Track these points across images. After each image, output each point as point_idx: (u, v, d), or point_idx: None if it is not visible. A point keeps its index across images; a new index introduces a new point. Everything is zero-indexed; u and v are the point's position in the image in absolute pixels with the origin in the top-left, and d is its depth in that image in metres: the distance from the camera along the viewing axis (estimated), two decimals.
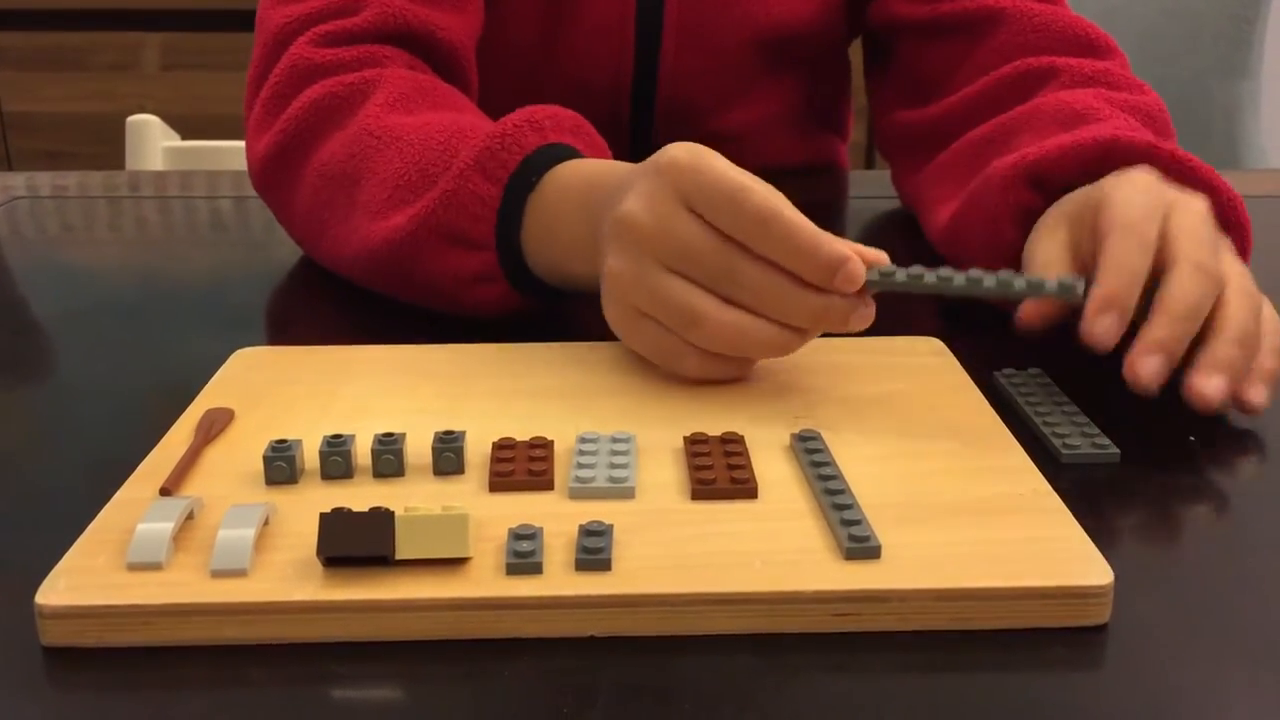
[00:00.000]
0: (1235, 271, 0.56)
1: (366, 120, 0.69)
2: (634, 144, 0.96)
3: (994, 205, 0.66)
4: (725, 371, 0.56)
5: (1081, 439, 0.52)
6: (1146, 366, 0.52)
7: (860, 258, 0.52)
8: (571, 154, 0.64)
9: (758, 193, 0.52)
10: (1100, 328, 0.53)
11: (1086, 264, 0.58)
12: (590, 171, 0.62)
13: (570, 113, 0.67)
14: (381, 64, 0.74)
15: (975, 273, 0.53)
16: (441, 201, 0.63)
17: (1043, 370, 0.59)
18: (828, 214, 0.93)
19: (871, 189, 0.99)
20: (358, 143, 0.69)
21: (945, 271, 0.53)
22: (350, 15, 0.75)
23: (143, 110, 1.38)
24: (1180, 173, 0.61)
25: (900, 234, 0.88)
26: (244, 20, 2.43)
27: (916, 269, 0.53)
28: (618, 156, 0.97)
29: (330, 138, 0.71)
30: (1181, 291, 0.53)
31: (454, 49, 0.78)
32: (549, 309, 0.67)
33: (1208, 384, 0.53)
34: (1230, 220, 0.62)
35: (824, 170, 1.05)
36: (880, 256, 0.53)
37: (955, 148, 0.79)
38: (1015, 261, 0.63)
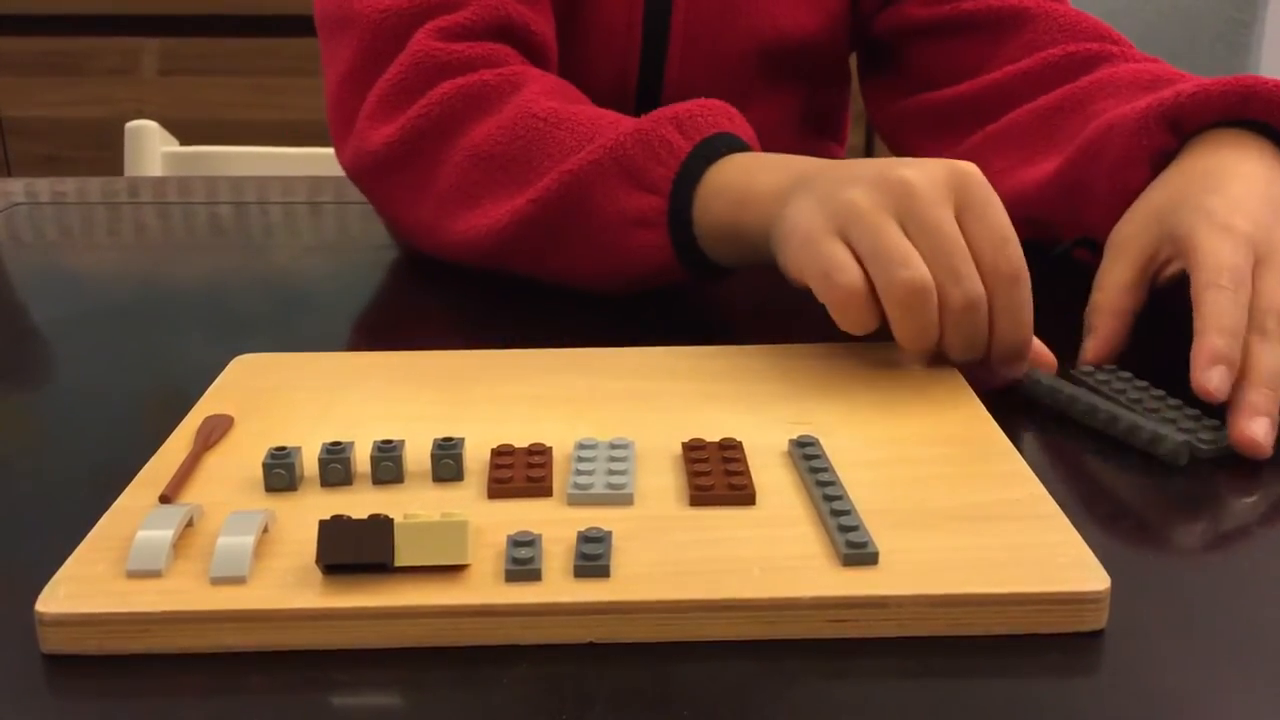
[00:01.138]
0: None
1: (527, 104, 0.71)
2: None
3: (1124, 150, 0.67)
4: (854, 313, 0.55)
5: (1215, 433, 0.53)
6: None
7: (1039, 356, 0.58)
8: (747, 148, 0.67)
9: (1019, 247, 0.55)
10: (1212, 384, 0.53)
11: (1160, 272, 0.61)
12: (782, 155, 0.65)
13: (750, 127, 0.70)
14: (507, 62, 0.75)
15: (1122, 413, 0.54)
16: (631, 137, 0.66)
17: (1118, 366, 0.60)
18: None
19: None
20: (521, 124, 0.70)
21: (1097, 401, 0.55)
22: (457, 10, 0.77)
23: (141, 115, 1.38)
24: None
25: None
26: (243, 25, 2.45)
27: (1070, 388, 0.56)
28: None
29: (482, 122, 0.72)
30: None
31: (545, 45, 0.80)
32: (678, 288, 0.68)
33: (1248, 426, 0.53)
34: None
35: None
36: (1051, 363, 0.59)
37: (1011, 117, 0.80)
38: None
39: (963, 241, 0.55)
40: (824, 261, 0.55)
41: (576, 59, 0.91)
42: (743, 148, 0.67)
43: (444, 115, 0.73)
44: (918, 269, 0.53)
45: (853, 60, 1.03)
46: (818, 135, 1.04)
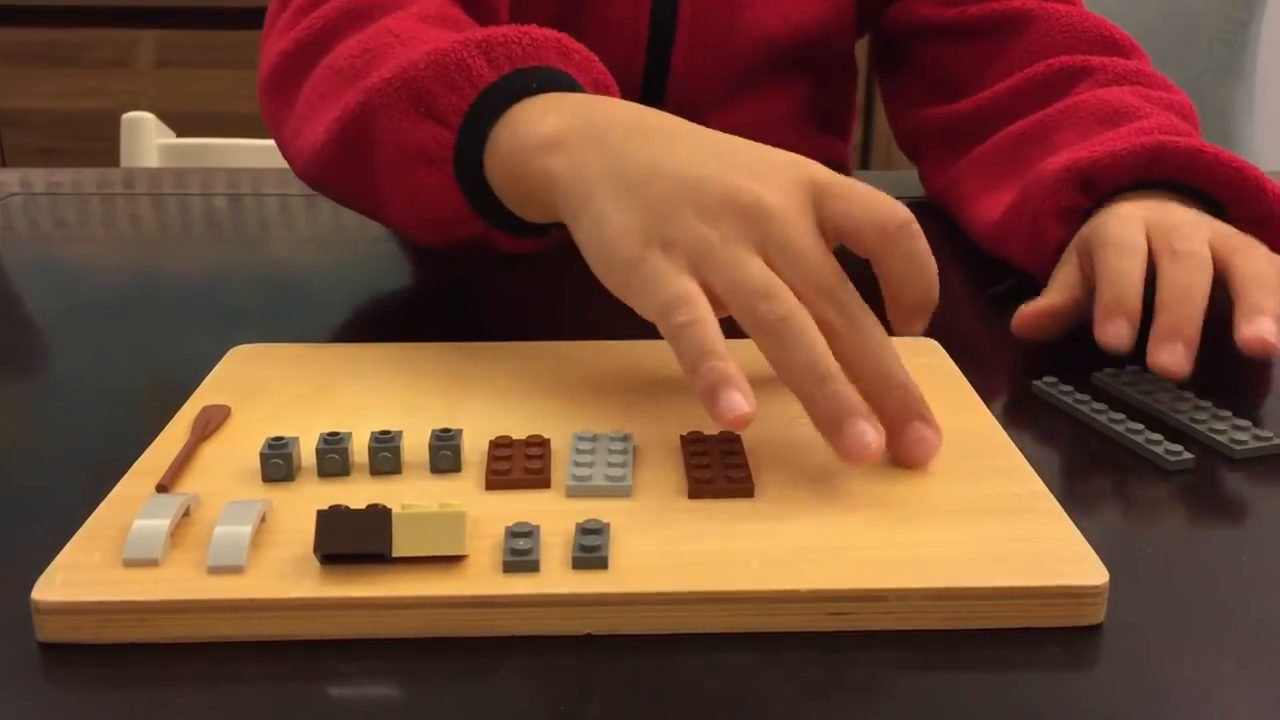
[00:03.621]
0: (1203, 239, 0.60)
1: (390, 22, 0.65)
2: None
3: (1041, 205, 0.69)
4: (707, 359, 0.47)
5: (1243, 433, 0.53)
6: (1160, 356, 0.55)
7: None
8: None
9: (893, 203, 0.50)
10: (1110, 334, 0.57)
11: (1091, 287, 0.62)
12: (601, 97, 0.58)
13: (603, 67, 0.62)
14: None
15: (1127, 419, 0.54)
16: (426, 58, 0.58)
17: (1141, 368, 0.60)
18: None
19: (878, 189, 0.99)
20: (375, 39, 0.64)
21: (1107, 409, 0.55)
22: None
23: (138, 107, 1.38)
24: (1225, 173, 0.65)
25: None
26: (240, 17, 2.45)
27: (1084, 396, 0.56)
28: None
29: (350, 37, 0.67)
30: (1167, 279, 0.57)
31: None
32: (487, 251, 0.62)
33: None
34: (1267, 214, 0.65)
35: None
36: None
37: (992, 142, 0.81)
38: (1055, 259, 0.67)
39: (832, 260, 0.49)
40: (665, 296, 0.48)
41: None
42: (571, 87, 0.58)
43: (324, 29, 0.68)
44: (784, 300, 0.47)
45: (860, 57, 1.03)
46: (823, 129, 1.05)
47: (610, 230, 0.50)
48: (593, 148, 0.52)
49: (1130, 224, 0.61)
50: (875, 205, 0.50)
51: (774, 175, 0.50)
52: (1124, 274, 0.58)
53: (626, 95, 0.95)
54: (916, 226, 0.50)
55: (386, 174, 0.61)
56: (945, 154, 0.87)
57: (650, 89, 0.93)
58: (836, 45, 0.99)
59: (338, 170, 0.65)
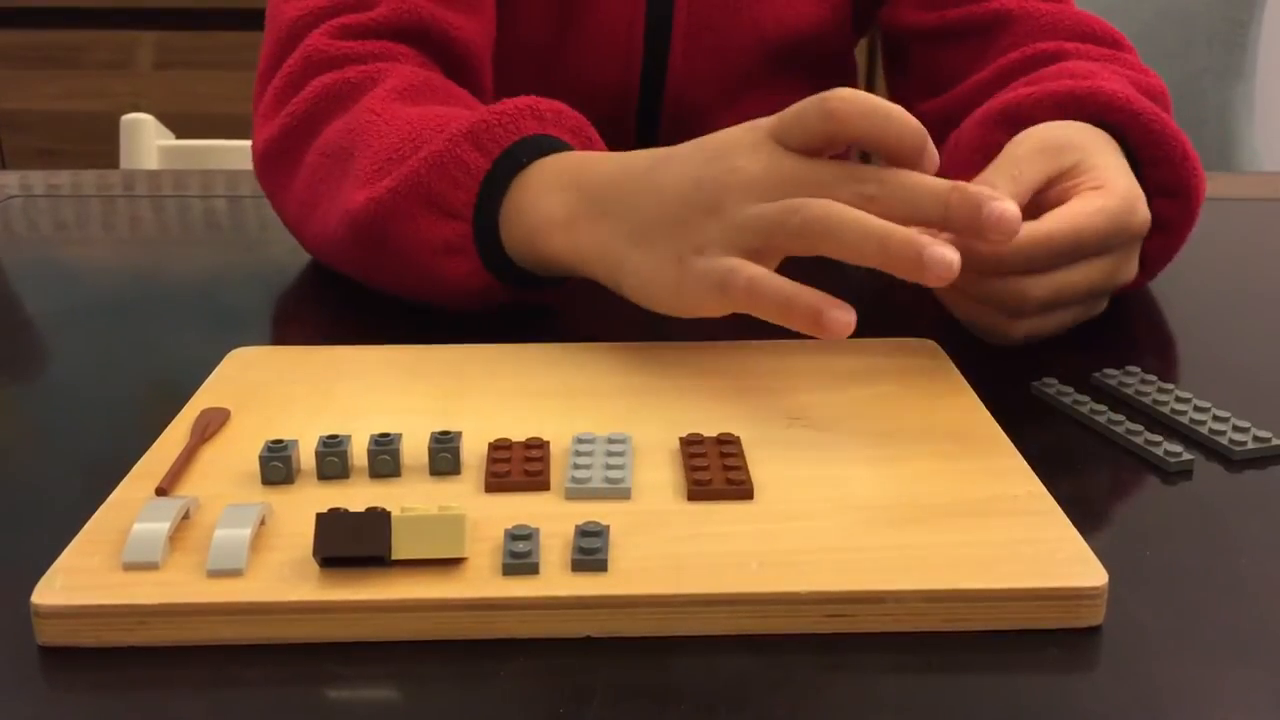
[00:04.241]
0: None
1: (370, 102, 0.69)
2: (638, 145, 0.96)
3: (970, 144, 0.69)
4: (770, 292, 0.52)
5: (1243, 434, 0.53)
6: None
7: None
8: (567, 150, 0.64)
9: (830, 95, 0.54)
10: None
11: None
12: (583, 157, 0.63)
13: (575, 114, 0.67)
14: (396, 59, 0.73)
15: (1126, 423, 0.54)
16: (427, 163, 0.63)
17: (1142, 368, 0.60)
18: None
19: None
20: (357, 119, 0.68)
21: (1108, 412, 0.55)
22: (367, 9, 0.75)
23: (137, 109, 1.38)
24: (1155, 133, 0.64)
25: None
26: (239, 19, 2.45)
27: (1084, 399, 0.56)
28: None
29: (334, 121, 0.70)
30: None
31: (468, 49, 0.78)
32: (520, 307, 0.66)
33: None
34: (1182, 185, 0.64)
35: None
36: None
37: (964, 125, 0.80)
38: None
39: (818, 161, 0.54)
40: (713, 281, 0.53)
41: (578, 58, 0.91)
42: (555, 147, 0.63)
43: (309, 113, 0.71)
44: (806, 203, 0.52)
45: (860, 58, 1.03)
46: None
47: (647, 274, 0.56)
48: (600, 220, 0.59)
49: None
50: (810, 107, 0.54)
51: (734, 146, 0.56)
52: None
53: (624, 103, 0.96)
54: (842, 93, 0.53)
55: (410, 268, 0.65)
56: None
57: (648, 92, 0.93)
58: (833, 46, 0.99)
59: (356, 264, 0.69)
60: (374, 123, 0.67)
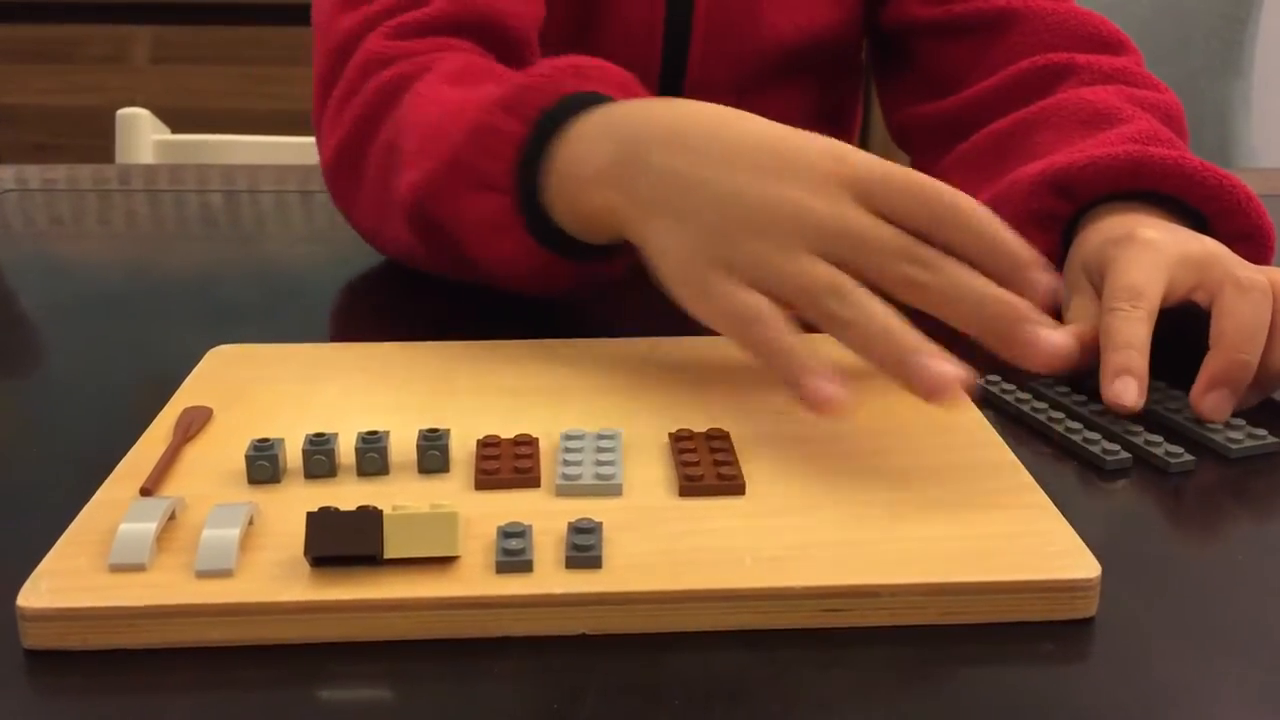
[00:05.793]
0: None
1: (419, 88, 0.67)
2: None
3: (1017, 209, 0.67)
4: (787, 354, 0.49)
5: (1238, 432, 0.53)
6: (1207, 402, 0.54)
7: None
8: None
9: (939, 183, 0.50)
10: (1115, 394, 0.53)
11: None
12: (628, 105, 0.58)
13: (620, 70, 0.63)
14: (451, 51, 0.71)
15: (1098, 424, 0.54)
16: (463, 136, 0.60)
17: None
18: None
19: None
20: (405, 109, 0.66)
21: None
22: (423, 5, 0.74)
23: (133, 103, 1.38)
24: (1211, 187, 0.63)
25: None
26: (234, 14, 2.44)
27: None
28: None
29: (390, 118, 0.68)
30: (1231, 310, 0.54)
31: (524, 38, 0.77)
32: (596, 286, 0.63)
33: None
34: (1253, 228, 0.63)
35: None
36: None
37: (974, 139, 0.80)
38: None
39: (884, 226, 0.49)
40: (735, 315, 0.50)
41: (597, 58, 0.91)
42: (595, 100, 0.59)
43: (366, 115, 0.69)
44: (849, 293, 0.48)
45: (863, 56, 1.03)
46: (833, 129, 1.05)
47: (672, 260, 0.53)
48: (638, 173, 0.54)
49: (1150, 268, 0.56)
50: (916, 188, 0.50)
51: (810, 173, 0.51)
52: (1135, 340, 0.54)
53: None
54: (966, 200, 0.50)
55: (468, 251, 0.63)
56: (932, 152, 0.87)
57: (666, 93, 0.93)
58: (845, 47, 0.99)
59: (428, 259, 0.67)
60: (419, 107, 0.65)
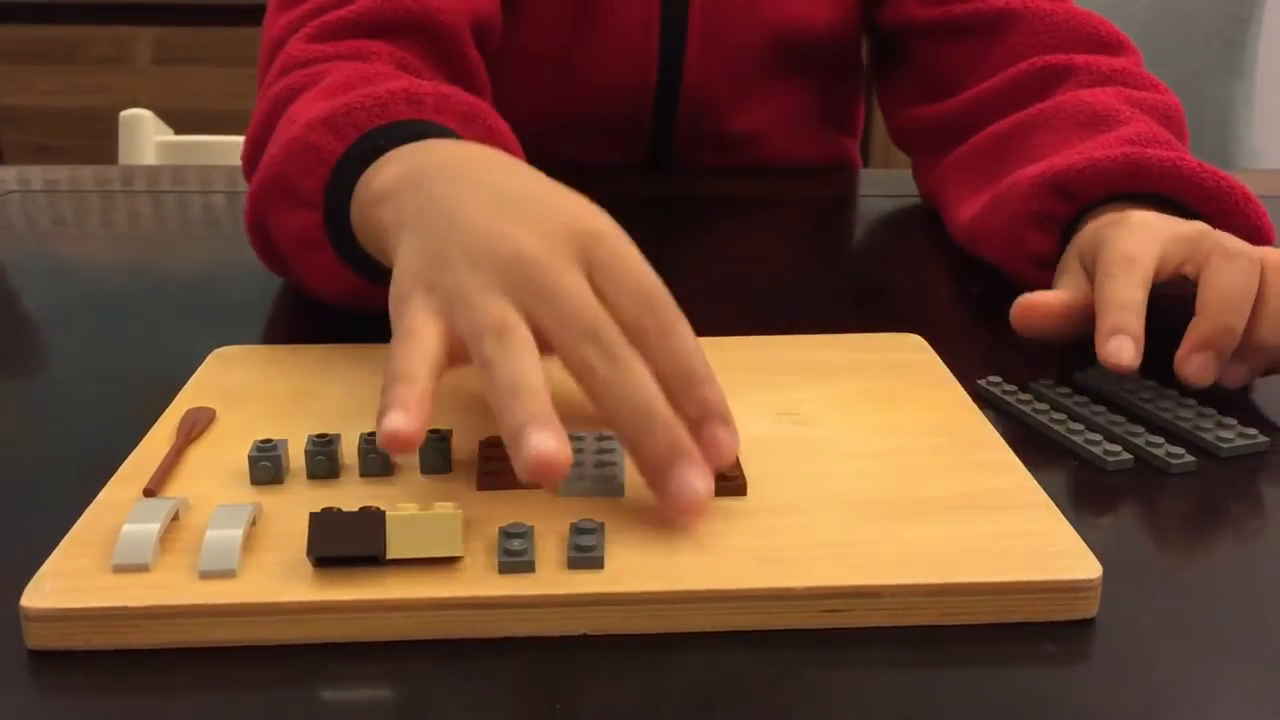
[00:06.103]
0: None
1: (300, 98, 0.64)
2: (654, 145, 0.97)
3: (1016, 211, 0.67)
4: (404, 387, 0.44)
5: (1229, 431, 0.53)
6: (1189, 365, 0.54)
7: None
8: (450, 136, 0.58)
9: (667, 296, 0.46)
10: (1110, 353, 0.53)
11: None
12: (440, 142, 0.56)
13: (469, 98, 0.62)
14: (365, 58, 0.69)
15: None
16: (283, 151, 0.59)
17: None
18: (840, 211, 0.95)
19: (881, 188, 0.99)
20: (283, 118, 0.64)
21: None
22: (345, 5, 0.73)
23: (135, 104, 1.38)
24: (1209, 188, 0.63)
25: (909, 230, 0.89)
26: (237, 15, 2.44)
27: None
28: (636, 158, 0.98)
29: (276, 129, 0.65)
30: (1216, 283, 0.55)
31: (455, 33, 0.75)
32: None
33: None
34: (1251, 228, 0.63)
35: (836, 169, 1.06)
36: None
37: (974, 141, 0.80)
38: (1033, 267, 0.66)
39: (592, 302, 0.45)
40: (405, 330, 0.46)
41: (594, 61, 0.91)
42: (432, 133, 0.57)
43: (266, 121, 0.66)
44: (516, 339, 0.44)
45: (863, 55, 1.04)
46: (832, 128, 1.05)
47: (398, 269, 0.49)
48: (411, 195, 0.52)
49: (1141, 241, 0.57)
50: (634, 290, 0.46)
51: (547, 226, 0.47)
52: (1129, 304, 0.55)
53: (640, 104, 0.95)
54: (683, 325, 0.46)
55: (291, 264, 0.63)
56: (932, 154, 0.87)
57: (663, 92, 0.93)
58: (843, 43, 0.99)
59: (265, 261, 0.67)
60: (287, 117, 0.63)
